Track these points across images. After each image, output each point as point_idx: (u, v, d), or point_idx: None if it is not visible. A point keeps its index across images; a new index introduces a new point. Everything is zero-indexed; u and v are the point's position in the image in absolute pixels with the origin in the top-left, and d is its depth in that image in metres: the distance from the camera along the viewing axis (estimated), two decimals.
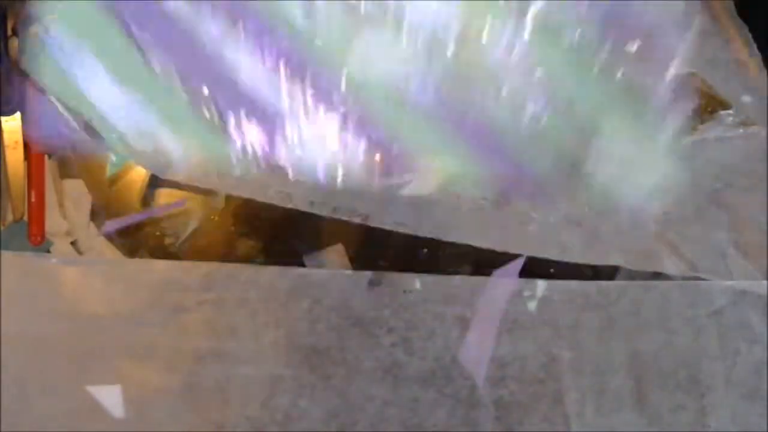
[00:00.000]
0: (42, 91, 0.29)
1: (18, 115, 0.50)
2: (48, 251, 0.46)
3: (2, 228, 0.47)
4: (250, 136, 0.29)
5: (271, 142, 0.29)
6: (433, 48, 0.27)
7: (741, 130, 0.51)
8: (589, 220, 0.47)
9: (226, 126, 0.29)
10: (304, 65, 0.28)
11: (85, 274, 0.45)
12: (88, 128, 0.30)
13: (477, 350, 0.42)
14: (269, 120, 0.29)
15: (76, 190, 0.48)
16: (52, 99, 0.29)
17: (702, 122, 0.51)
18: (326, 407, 0.41)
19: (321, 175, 0.29)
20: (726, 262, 0.46)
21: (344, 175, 0.29)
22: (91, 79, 0.29)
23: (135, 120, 0.29)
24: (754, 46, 0.56)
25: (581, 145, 0.29)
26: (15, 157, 0.49)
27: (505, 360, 0.42)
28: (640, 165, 0.31)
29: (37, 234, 0.46)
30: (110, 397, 0.40)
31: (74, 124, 0.29)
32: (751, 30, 0.56)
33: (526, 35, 0.27)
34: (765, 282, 0.45)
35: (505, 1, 0.27)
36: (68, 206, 0.48)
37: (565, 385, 0.42)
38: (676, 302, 0.44)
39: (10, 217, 0.47)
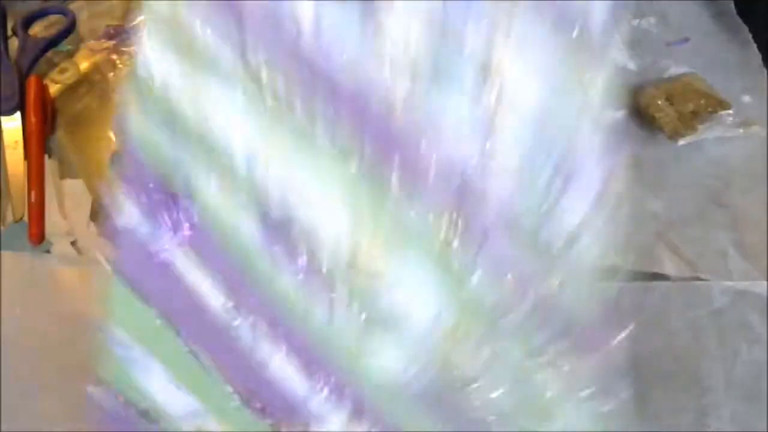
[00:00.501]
0: (106, 384, 0.35)
1: (18, 115, 0.50)
2: (48, 251, 0.46)
3: (2, 228, 0.47)
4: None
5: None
6: (427, 352, 0.34)
7: (741, 130, 0.51)
8: None
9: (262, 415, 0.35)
10: (322, 362, 0.35)
11: (85, 274, 0.45)
12: (145, 415, 0.35)
13: None
14: (290, 412, 0.35)
15: (76, 190, 0.48)
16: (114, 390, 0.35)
17: (702, 122, 0.51)
18: None
19: None
20: (726, 262, 0.46)
21: None
22: (150, 376, 0.35)
23: (186, 410, 0.35)
24: (754, 46, 0.56)
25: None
26: (15, 157, 0.49)
27: None
28: None
29: (37, 234, 0.46)
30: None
31: (132, 411, 0.35)
32: (751, 30, 0.56)
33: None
34: (765, 282, 0.45)
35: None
36: (68, 206, 0.48)
37: None
38: (676, 303, 0.44)
39: (10, 217, 0.47)
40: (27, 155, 0.48)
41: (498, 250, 0.35)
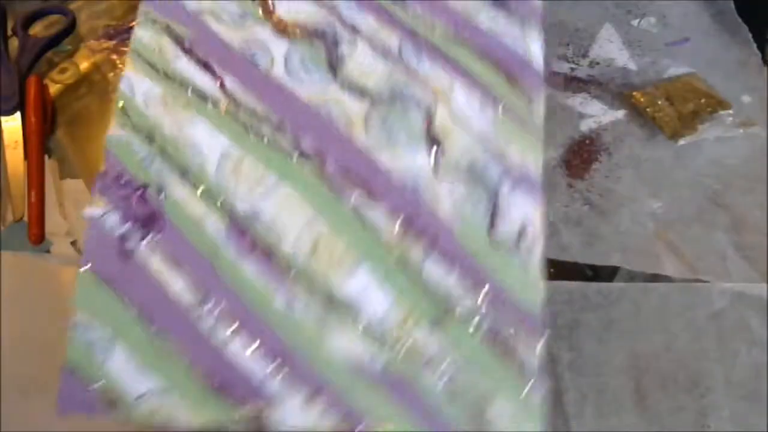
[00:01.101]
0: (72, 370, 0.38)
1: (18, 115, 0.50)
2: (48, 251, 0.46)
3: (2, 228, 0.47)
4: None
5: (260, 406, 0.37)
6: (383, 337, 0.38)
7: (741, 130, 0.51)
8: (589, 220, 0.47)
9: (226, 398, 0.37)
10: (282, 345, 0.38)
11: None
12: (106, 396, 0.37)
13: None
14: (249, 392, 0.37)
15: (76, 190, 0.48)
16: (79, 376, 0.37)
17: (702, 122, 0.51)
18: None
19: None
20: (725, 264, 0.46)
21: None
22: (118, 363, 0.38)
23: (144, 389, 0.37)
24: (754, 46, 0.56)
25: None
26: (15, 157, 0.49)
27: None
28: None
29: (37, 234, 0.46)
30: None
31: (94, 394, 0.37)
32: (751, 30, 0.56)
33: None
34: (764, 284, 0.45)
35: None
36: (68, 206, 0.48)
37: (564, 385, 0.42)
38: (676, 304, 0.44)
39: (10, 217, 0.47)
40: (27, 155, 0.48)
41: (450, 245, 0.39)
